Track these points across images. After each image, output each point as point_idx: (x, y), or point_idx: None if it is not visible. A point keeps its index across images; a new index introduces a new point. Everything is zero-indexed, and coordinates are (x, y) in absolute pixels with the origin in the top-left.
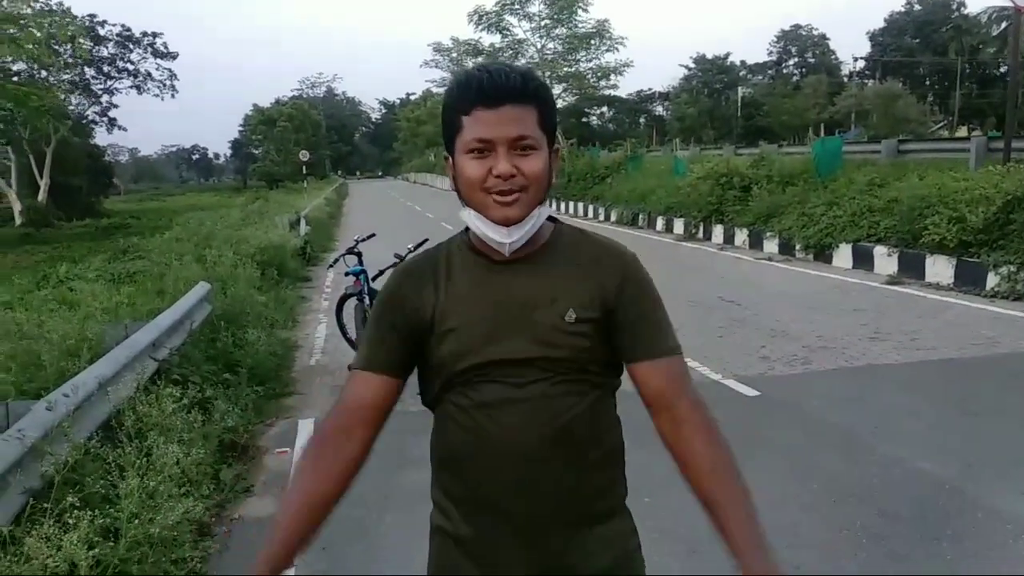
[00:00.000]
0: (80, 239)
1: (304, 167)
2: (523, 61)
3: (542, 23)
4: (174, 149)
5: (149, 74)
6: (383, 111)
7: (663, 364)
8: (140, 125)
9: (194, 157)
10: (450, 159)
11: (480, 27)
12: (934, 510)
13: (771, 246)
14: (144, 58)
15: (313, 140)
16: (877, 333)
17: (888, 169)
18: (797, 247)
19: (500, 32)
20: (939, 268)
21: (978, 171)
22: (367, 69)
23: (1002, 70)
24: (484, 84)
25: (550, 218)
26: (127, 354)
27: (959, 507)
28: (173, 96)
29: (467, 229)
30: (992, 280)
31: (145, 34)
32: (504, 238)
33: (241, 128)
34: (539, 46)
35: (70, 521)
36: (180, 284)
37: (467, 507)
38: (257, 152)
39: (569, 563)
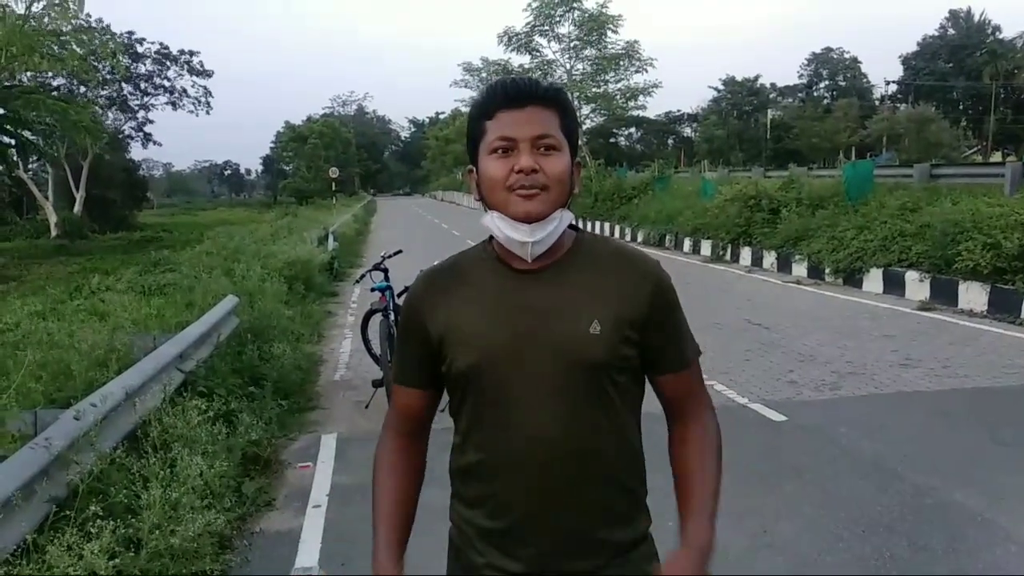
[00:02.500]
0: (113, 251)
1: (333, 184)
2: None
3: (571, 44)
4: (206, 164)
5: (185, 91)
6: (412, 130)
7: (685, 374)
8: (174, 140)
9: (226, 172)
10: (473, 171)
11: (510, 48)
12: (965, 542)
13: (800, 269)
14: (180, 75)
15: (343, 157)
16: (908, 360)
17: (920, 193)
18: (827, 271)
19: (529, 53)
20: (972, 295)
21: (1014, 197)
22: (397, 88)
23: None
24: (508, 87)
25: (572, 227)
26: (154, 365)
27: (990, 539)
28: (208, 112)
29: (490, 239)
30: None
31: (182, 52)
32: (526, 237)
33: (272, 144)
34: (568, 67)
35: (92, 530)
36: (208, 297)
37: (486, 524)
38: (288, 168)
39: None
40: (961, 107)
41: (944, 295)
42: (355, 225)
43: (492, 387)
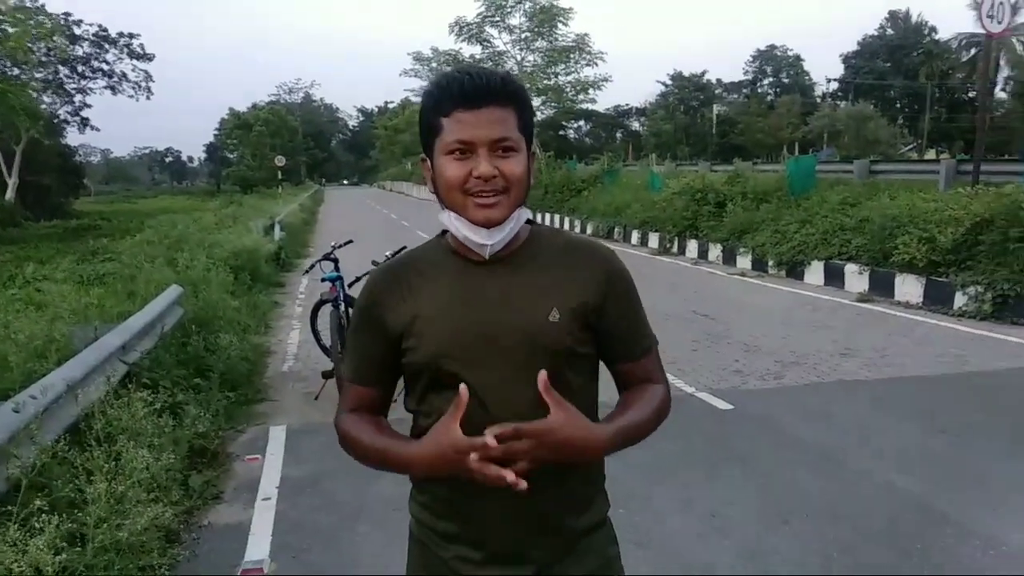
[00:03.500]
0: (48, 239)
1: (280, 172)
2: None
3: (522, 35)
4: (147, 151)
5: (124, 75)
6: (360, 119)
7: (641, 363)
8: (113, 125)
9: (167, 159)
10: (428, 161)
11: (461, 37)
12: (905, 526)
13: (744, 262)
14: (120, 59)
15: (289, 146)
16: (848, 350)
17: (860, 189)
18: (770, 263)
19: (480, 43)
20: (908, 287)
21: (947, 193)
22: (345, 76)
23: (970, 95)
24: (465, 86)
25: (528, 221)
26: (96, 356)
27: (930, 523)
28: (148, 98)
29: (444, 232)
30: (960, 300)
31: (121, 35)
32: (485, 239)
33: (216, 132)
34: (519, 58)
35: (37, 525)
36: (151, 287)
37: (451, 512)
38: (232, 156)
39: (556, 573)
40: (898, 105)
41: (882, 287)
42: (302, 215)
43: (453, 376)
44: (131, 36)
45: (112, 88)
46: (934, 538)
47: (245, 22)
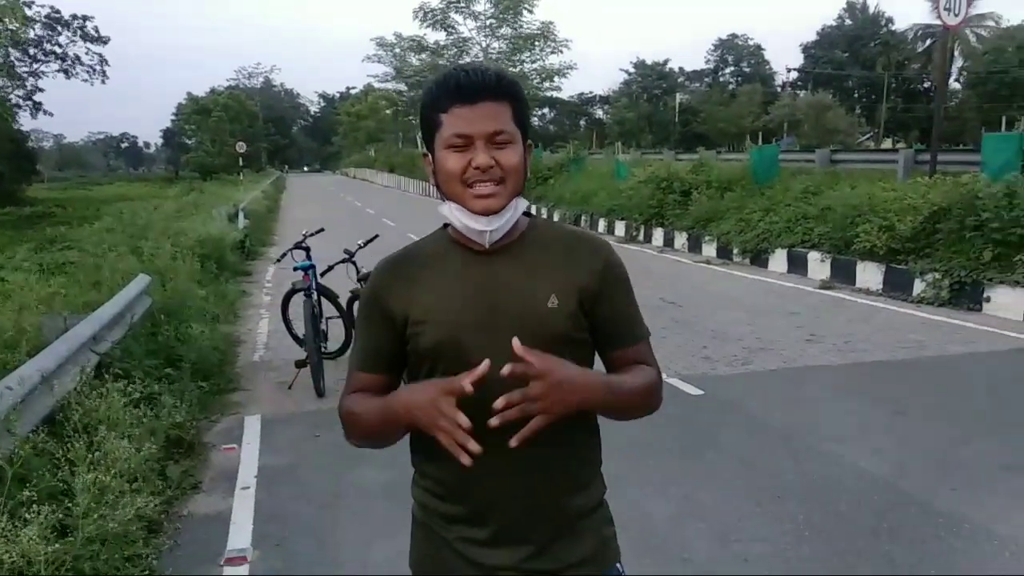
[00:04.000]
0: (1, 227)
1: (240, 159)
2: (467, 59)
3: (487, 22)
4: (101, 136)
5: (78, 58)
6: (322, 104)
7: (631, 351)
8: (66, 110)
9: (123, 145)
10: (429, 156)
11: (425, 23)
12: (871, 505)
13: (709, 250)
14: (73, 41)
15: (249, 132)
16: (812, 336)
17: (822, 178)
18: (735, 251)
19: (445, 29)
20: (869, 274)
21: (906, 182)
22: (306, 62)
23: (926, 85)
24: (461, 82)
25: (526, 213)
26: (68, 347)
27: (894, 502)
28: (103, 82)
29: (446, 225)
30: (919, 286)
31: (75, 17)
32: (485, 227)
33: (174, 117)
34: (484, 45)
35: (27, 516)
36: (117, 276)
37: (453, 494)
38: (190, 142)
39: (555, 552)
40: (856, 95)
41: (843, 274)
42: (265, 202)
43: (458, 361)
44: (84, 18)
45: (65, 72)
46: (900, 518)
47: (201, 5)
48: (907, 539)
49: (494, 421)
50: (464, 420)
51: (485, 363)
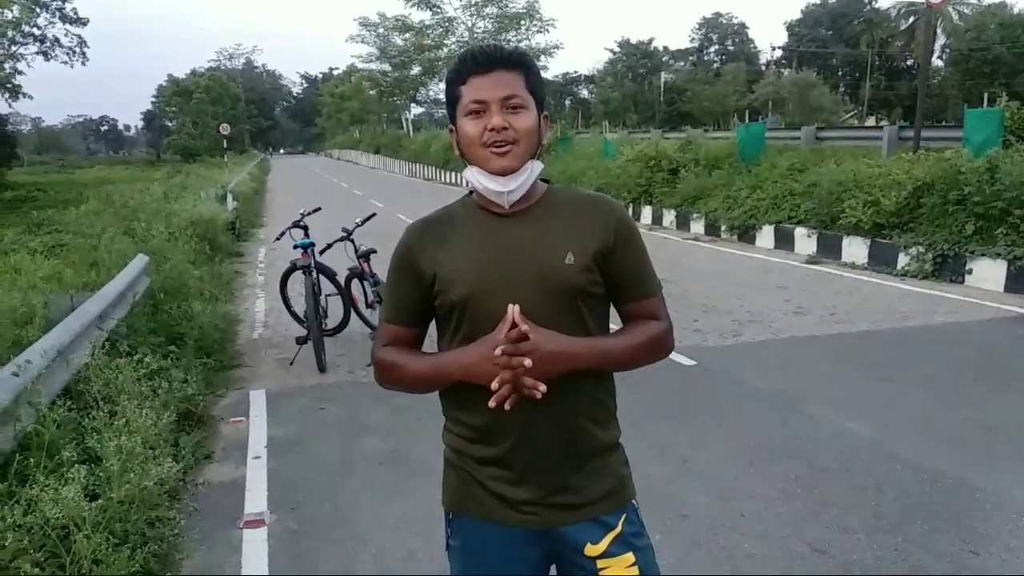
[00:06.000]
0: None
1: (225, 141)
2: (453, 39)
3: (472, 1)
4: (81, 119)
5: (57, 40)
6: (305, 85)
7: (646, 303)
8: (45, 93)
9: (103, 128)
10: (453, 130)
11: (410, 3)
12: (857, 463)
13: (698, 227)
14: (52, 23)
15: (232, 113)
16: (800, 308)
17: (807, 155)
18: (723, 228)
19: (430, 9)
20: (855, 249)
21: (890, 158)
22: (289, 42)
23: (909, 63)
24: (477, 55)
25: (544, 180)
26: (80, 323)
27: (879, 460)
28: (83, 64)
29: (471, 192)
30: (903, 260)
31: None
32: (502, 187)
33: (154, 99)
34: (470, 24)
35: (70, 476)
36: (114, 256)
37: (482, 437)
38: (172, 125)
39: (575, 486)
40: (840, 73)
41: (829, 249)
42: (252, 184)
43: (483, 314)
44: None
45: (44, 54)
46: (885, 473)
47: None
48: (893, 494)
49: (492, 403)
50: (520, 361)
51: (512, 308)
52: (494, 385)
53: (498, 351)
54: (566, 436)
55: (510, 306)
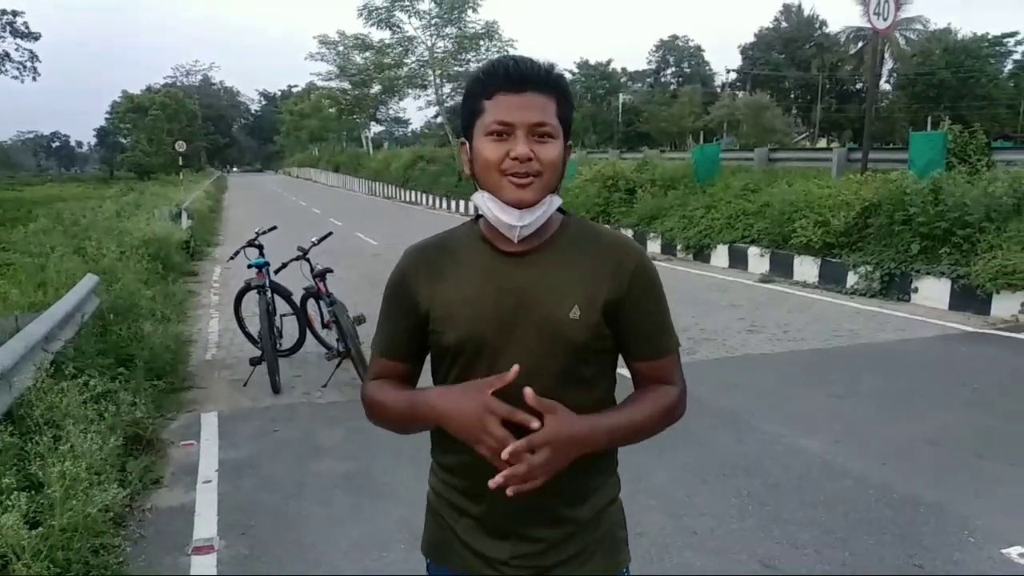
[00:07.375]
0: None
1: (180, 159)
2: (413, 58)
3: (432, 21)
4: (31, 135)
5: (7, 55)
6: (263, 103)
7: (658, 363)
8: None
9: (54, 144)
10: (466, 144)
11: (369, 22)
12: (809, 479)
13: (654, 246)
14: (2, 37)
15: (188, 131)
16: (753, 326)
17: (760, 176)
18: (678, 247)
19: (390, 28)
20: (806, 268)
21: (839, 179)
22: (247, 59)
23: (858, 86)
24: (510, 69)
25: (560, 209)
26: (24, 345)
27: (830, 476)
28: (35, 79)
29: (477, 218)
30: (852, 279)
31: (4, 12)
32: (516, 221)
33: (108, 116)
34: (429, 44)
35: (9, 504)
36: (62, 276)
37: (467, 490)
38: (126, 142)
39: (562, 549)
40: (793, 96)
41: (782, 268)
42: (208, 202)
43: (479, 360)
44: (15, 13)
45: None
46: (836, 490)
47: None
48: (842, 509)
49: (492, 483)
50: (512, 444)
51: (514, 369)
52: (496, 481)
53: (505, 454)
54: (550, 499)
55: (515, 369)
